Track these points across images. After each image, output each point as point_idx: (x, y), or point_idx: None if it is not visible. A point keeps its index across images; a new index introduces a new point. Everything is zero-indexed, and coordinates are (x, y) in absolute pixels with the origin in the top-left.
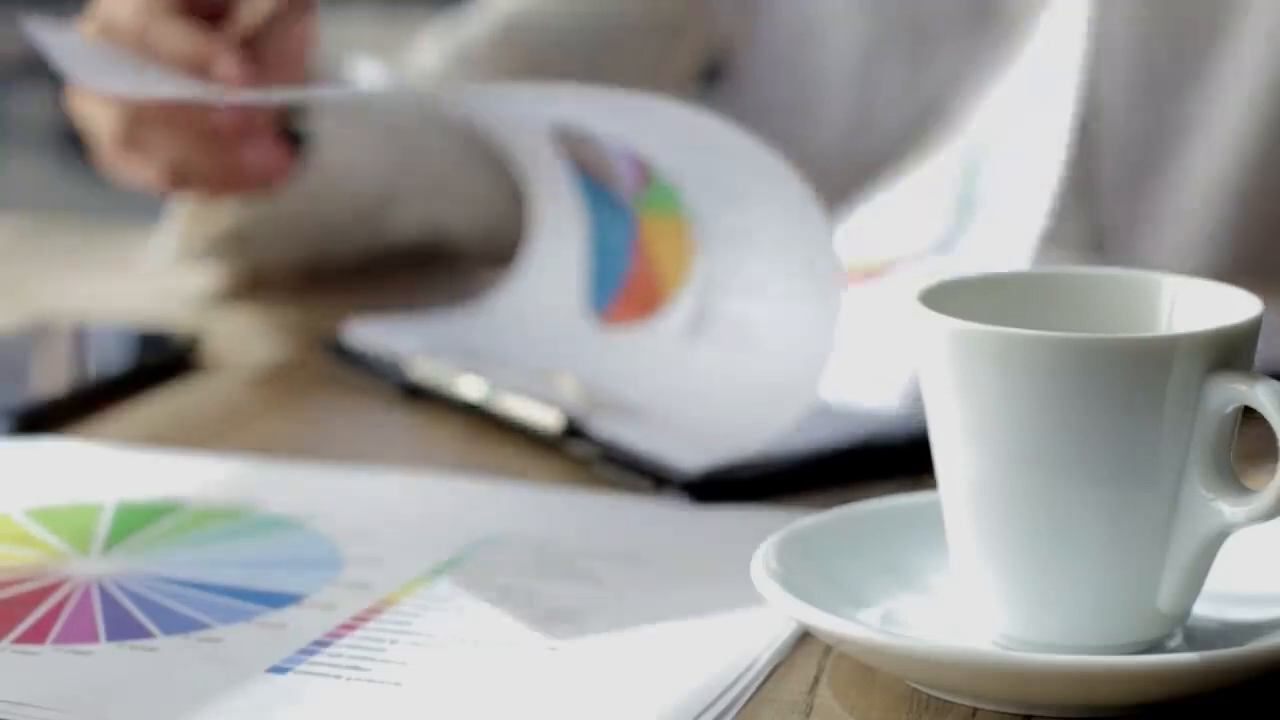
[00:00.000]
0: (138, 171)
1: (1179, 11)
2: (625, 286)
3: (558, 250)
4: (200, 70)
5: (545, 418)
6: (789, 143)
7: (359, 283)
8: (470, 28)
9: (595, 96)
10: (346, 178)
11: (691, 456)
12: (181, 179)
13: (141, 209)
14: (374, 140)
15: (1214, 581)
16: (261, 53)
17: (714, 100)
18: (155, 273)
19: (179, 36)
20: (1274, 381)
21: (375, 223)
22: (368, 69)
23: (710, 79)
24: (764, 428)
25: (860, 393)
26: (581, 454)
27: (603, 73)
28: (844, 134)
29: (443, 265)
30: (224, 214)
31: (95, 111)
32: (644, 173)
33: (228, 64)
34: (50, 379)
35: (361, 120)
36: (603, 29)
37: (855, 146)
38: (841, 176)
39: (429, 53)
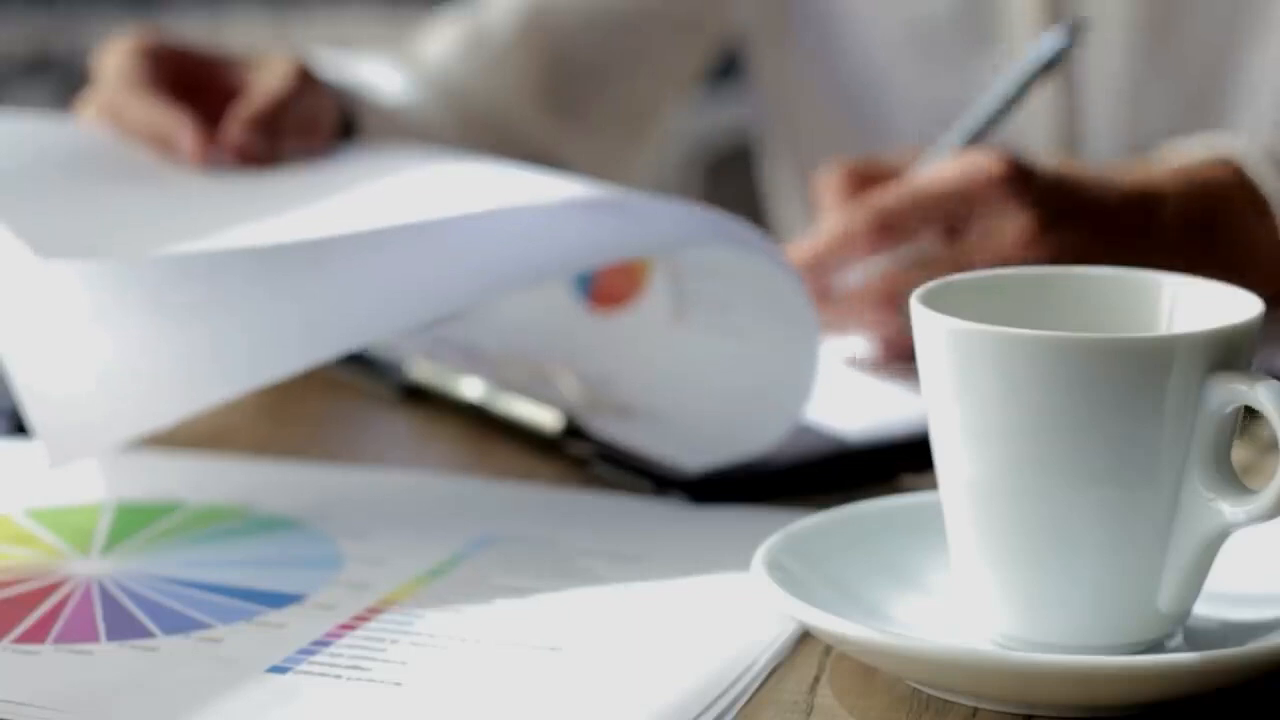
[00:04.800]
0: None
1: (1163, 114)
2: (601, 269)
3: None
4: (164, 144)
5: (545, 418)
6: (803, 139)
7: None
8: (491, 16)
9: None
10: None
11: (691, 456)
12: None
13: None
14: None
15: (1214, 581)
16: (279, 125)
17: (727, 94)
18: None
19: (144, 109)
20: (1274, 381)
21: None
22: (376, 67)
23: (724, 74)
24: (762, 428)
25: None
26: (581, 454)
27: (622, 65)
28: (857, 134)
29: None
30: None
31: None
32: None
33: (190, 140)
34: None
35: (397, 133)
36: (623, 22)
37: (866, 148)
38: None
39: (443, 39)
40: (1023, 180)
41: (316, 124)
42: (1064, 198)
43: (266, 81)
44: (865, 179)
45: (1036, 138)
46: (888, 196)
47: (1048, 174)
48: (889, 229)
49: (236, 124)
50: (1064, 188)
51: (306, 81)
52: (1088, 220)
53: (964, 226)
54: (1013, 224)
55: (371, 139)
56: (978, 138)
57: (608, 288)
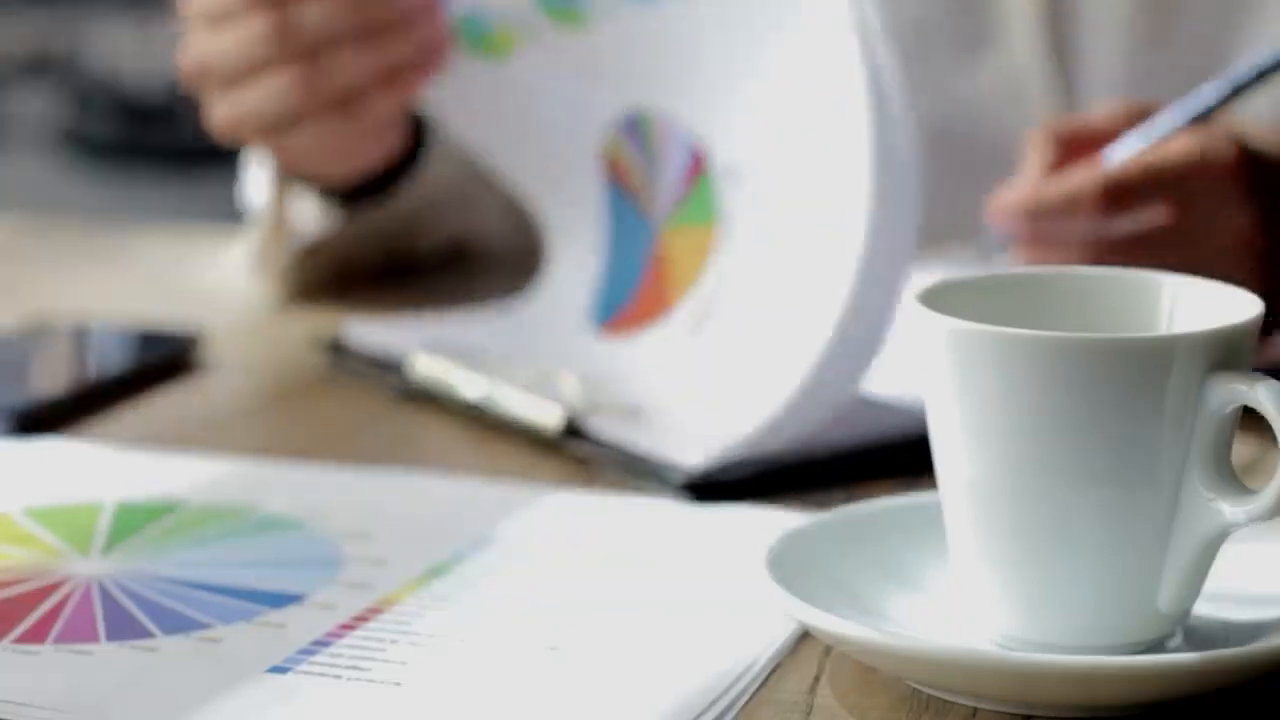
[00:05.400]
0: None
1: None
2: (632, 301)
3: (572, 264)
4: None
5: (545, 418)
6: None
7: (360, 283)
8: None
9: None
10: (431, 187)
11: (691, 456)
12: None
13: (141, 209)
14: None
15: (1214, 581)
16: None
17: None
18: (225, 276)
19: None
20: (1274, 381)
21: (426, 228)
22: None
23: None
24: (776, 428)
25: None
26: (581, 454)
27: None
28: None
29: (443, 268)
30: (301, 231)
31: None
32: (697, 169)
33: None
34: (50, 379)
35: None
36: None
37: None
38: None
39: None
40: (1255, 172)
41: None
42: None
43: None
44: (1070, 142)
45: (1033, 123)
46: (1120, 167)
47: (1275, 163)
48: (1117, 199)
49: None
50: None
51: None
52: None
53: (1193, 206)
54: (1240, 219)
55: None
56: (1204, 118)
57: (628, 319)
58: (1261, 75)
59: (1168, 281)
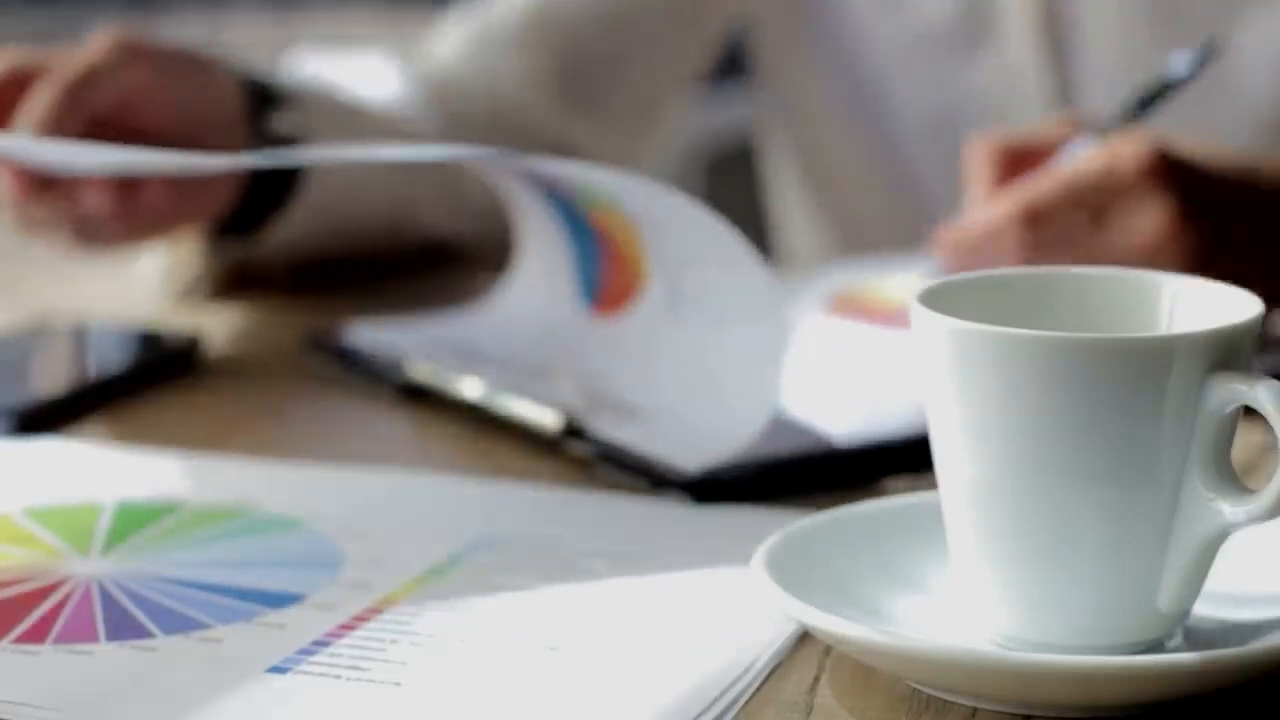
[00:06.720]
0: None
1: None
2: (606, 276)
3: (544, 256)
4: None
5: (545, 418)
6: (807, 132)
7: (359, 283)
8: (496, 14)
9: (567, 169)
10: (351, 201)
11: (691, 456)
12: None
13: None
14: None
15: (1214, 581)
16: (85, 99)
17: (730, 94)
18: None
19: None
20: (1274, 381)
21: (382, 235)
22: (365, 63)
23: (726, 73)
24: (745, 418)
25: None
26: (581, 454)
27: (628, 56)
28: (861, 131)
29: (441, 267)
30: (207, 252)
31: None
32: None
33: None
34: (50, 379)
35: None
36: (626, 20)
37: (868, 147)
38: (856, 175)
39: (452, 40)
40: (1167, 170)
41: (144, 96)
42: (1207, 187)
43: (69, 57)
44: (1014, 156)
45: (1031, 119)
46: (1035, 189)
47: (1192, 164)
48: (1036, 221)
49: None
50: (1208, 178)
51: (124, 53)
52: (1231, 211)
53: (1108, 215)
54: (1154, 215)
55: (321, 134)
56: (1128, 124)
57: (611, 292)
58: (1168, 87)
59: (1168, 281)
